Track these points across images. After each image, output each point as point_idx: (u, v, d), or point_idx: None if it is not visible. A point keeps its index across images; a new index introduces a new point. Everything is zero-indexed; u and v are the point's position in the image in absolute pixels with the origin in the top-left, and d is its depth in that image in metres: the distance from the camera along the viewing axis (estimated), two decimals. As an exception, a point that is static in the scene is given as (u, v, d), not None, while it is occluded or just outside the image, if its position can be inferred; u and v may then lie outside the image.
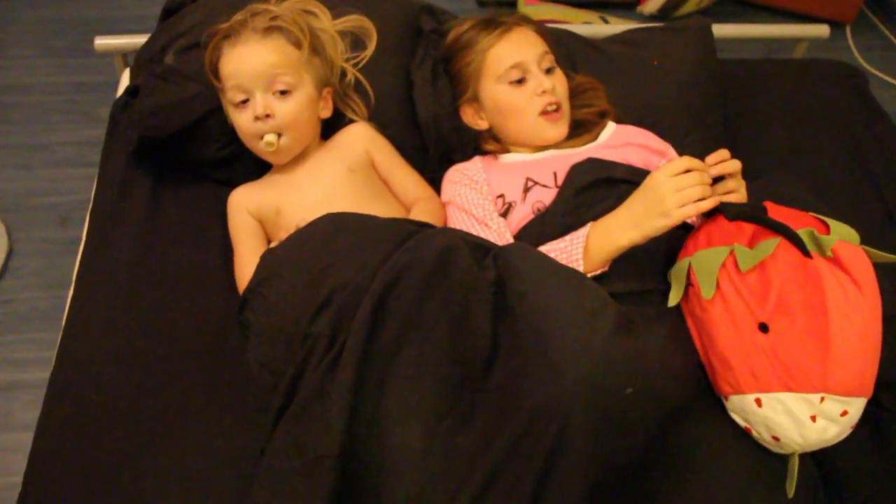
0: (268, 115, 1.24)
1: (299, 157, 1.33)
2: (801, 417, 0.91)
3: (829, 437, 0.92)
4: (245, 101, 1.25)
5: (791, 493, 0.93)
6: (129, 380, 1.15)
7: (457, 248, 0.98)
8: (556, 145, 1.33)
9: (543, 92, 1.28)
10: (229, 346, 1.19)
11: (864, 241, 1.09)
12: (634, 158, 1.29)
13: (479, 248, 1.03)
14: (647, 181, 1.09)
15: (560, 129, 1.31)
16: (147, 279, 1.28)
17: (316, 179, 1.31)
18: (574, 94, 1.37)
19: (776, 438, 0.93)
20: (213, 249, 1.33)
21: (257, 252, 1.23)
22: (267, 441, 0.94)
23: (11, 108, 2.11)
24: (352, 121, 1.38)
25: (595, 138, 1.35)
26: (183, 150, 1.37)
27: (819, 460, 1.05)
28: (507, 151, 1.36)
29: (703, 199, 1.04)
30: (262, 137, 1.26)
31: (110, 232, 1.34)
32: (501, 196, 1.29)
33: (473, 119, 1.37)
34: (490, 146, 1.37)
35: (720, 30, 1.73)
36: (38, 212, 1.87)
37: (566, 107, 1.33)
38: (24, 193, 1.91)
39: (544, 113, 1.29)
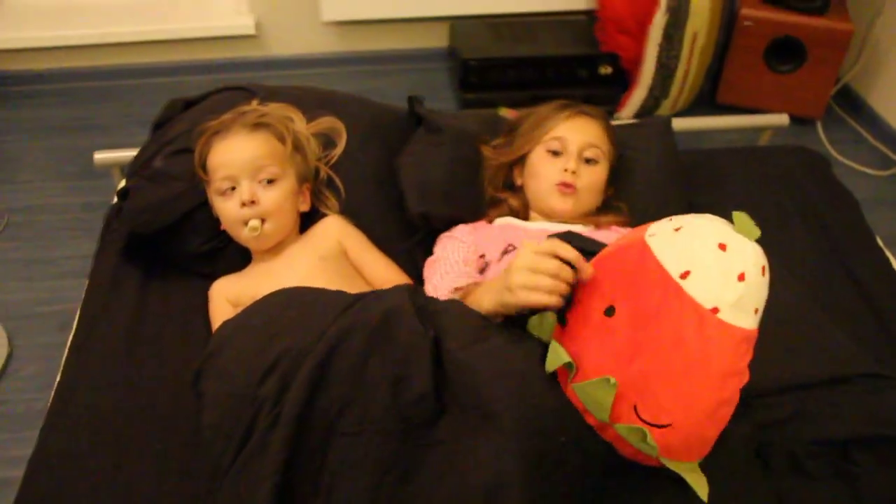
0: (253, 202, 1.33)
1: (277, 249, 1.41)
2: None
3: None
4: (231, 190, 1.35)
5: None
6: (108, 470, 1.17)
7: (402, 309, 1.02)
8: (560, 221, 1.45)
9: (565, 170, 1.43)
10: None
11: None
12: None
13: (425, 308, 1.07)
14: (517, 253, 1.05)
15: (565, 204, 1.44)
16: (132, 371, 1.31)
17: (290, 268, 1.38)
18: (604, 203, 1.53)
19: None
20: (197, 340, 1.37)
21: None
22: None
23: (21, 226, 2.23)
24: (325, 215, 1.47)
25: (598, 226, 1.47)
26: (170, 245, 1.44)
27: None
28: (524, 217, 1.49)
29: (550, 293, 0.97)
30: (246, 223, 1.34)
31: (98, 326, 1.38)
32: (483, 256, 1.39)
33: (517, 177, 1.53)
34: (499, 210, 1.51)
35: (684, 123, 1.84)
36: (39, 319, 1.94)
37: (586, 196, 1.46)
38: (26, 303, 1.99)
39: (559, 185, 1.43)
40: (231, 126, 1.39)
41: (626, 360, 0.95)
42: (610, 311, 0.95)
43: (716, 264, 0.90)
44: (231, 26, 2.59)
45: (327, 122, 1.51)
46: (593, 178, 1.47)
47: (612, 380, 0.93)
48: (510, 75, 2.48)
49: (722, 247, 0.91)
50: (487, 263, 1.38)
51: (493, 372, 0.97)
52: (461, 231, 1.47)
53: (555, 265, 0.96)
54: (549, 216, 1.48)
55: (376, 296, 1.07)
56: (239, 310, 1.34)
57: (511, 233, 1.43)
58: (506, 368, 0.97)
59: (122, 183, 1.70)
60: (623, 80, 2.55)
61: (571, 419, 0.93)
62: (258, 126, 1.39)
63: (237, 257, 1.46)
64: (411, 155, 1.51)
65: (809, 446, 1.12)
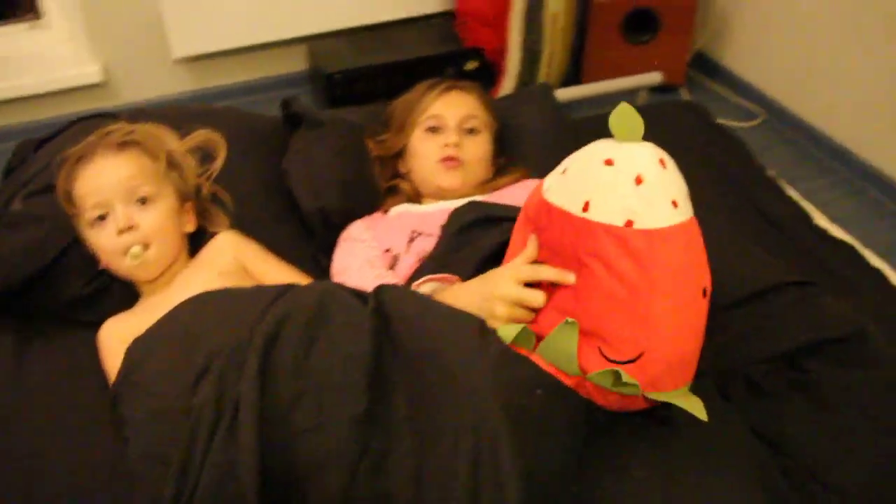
0: (131, 227, 1.20)
1: (167, 277, 1.28)
2: None
3: None
4: (103, 217, 1.21)
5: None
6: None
7: (336, 291, 0.94)
8: (454, 198, 1.37)
9: (446, 145, 1.37)
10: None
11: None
12: (521, 199, 1.30)
13: (358, 293, 0.99)
14: (495, 275, 1.00)
15: (454, 179, 1.38)
16: (19, 439, 1.14)
17: (187, 292, 1.23)
18: (497, 172, 1.48)
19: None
20: (89, 396, 1.21)
21: None
22: None
23: None
24: (213, 235, 1.35)
25: (496, 189, 1.41)
26: (45, 295, 1.29)
27: (765, 436, 1.03)
28: (418, 202, 1.41)
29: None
30: (127, 251, 1.20)
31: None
32: (388, 250, 1.31)
33: (403, 166, 1.46)
34: (394, 200, 1.43)
35: (563, 94, 1.84)
36: None
37: (473, 167, 1.40)
38: None
39: (443, 160, 1.37)
40: (95, 149, 1.26)
41: (572, 309, 0.91)
42: None
43: (609, 181, 0.87)
44: (75, 76, 2.40)
45: (202, 135, 1.39)
46: (478, 149, 1.43)
47: (570, 319, 0.88)
48: (378, 84, 2.42)
49: (609, 162, 0.88)
50: (396, 257, 1.30)
51: (450, 329, 0.88)
52: (357, 229, 1.38)
53: (540, 298, 0.93)
54: (441, 196, 1.41)
55: (305, 285, 0.97)
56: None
57: (410, 220, 1.36)
58: (463, 325, 0.89)
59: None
60: (490, 73, 2.55)
61: (544, 373, 0.86)
62: (125, 145, 1.27)
63: (123, 296, 1.31)
64: (296, 153, 1.42)
65: (760, 365, 1.10)
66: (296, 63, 2.68)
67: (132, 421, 0.88)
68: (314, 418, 0.84)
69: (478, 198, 1.35)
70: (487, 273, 1.02)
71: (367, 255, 1.29)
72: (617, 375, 0.85)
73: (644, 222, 0.85)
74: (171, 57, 2.46)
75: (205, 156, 1.39)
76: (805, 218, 1.60)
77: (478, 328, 0.90)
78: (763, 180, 1.70)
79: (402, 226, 1.34)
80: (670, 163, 0.91)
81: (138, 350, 0.93)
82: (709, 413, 0.97)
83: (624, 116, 0.89)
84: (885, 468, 1.00)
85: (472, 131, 1.43)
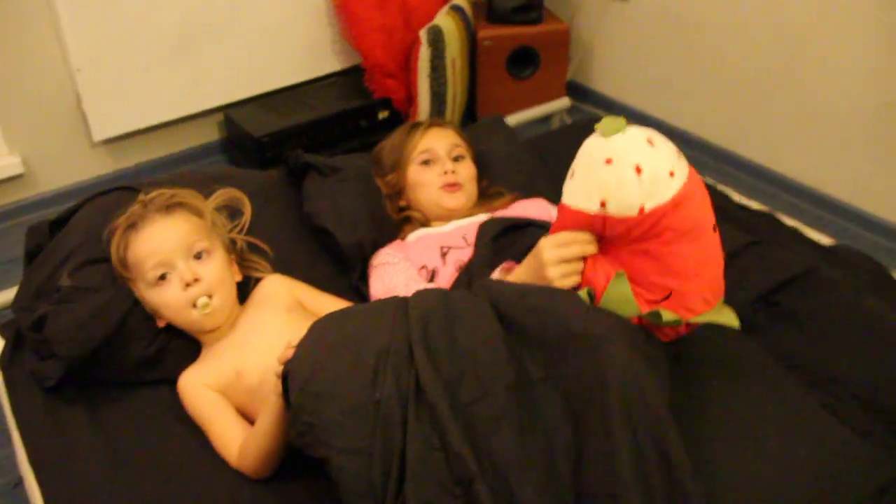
0: (196, 279, 1.29)
1: (229, 323, 1.37)
2: None
3: None
4: (164, 277, 1.30)
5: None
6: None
7: (447, 292, 1.12)
8: (460, 218, 1.55)
9: (445, 172, 1.56)
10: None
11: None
12: (533, 214, 1.51)
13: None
14: (535, 249, 1.16)
15: (459, 200, 1.56)
16: (141, 491, 1.19)
17: (259, 331, 1.34)
18: (482, 193, 1.66)
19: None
20: (181, 445, 1.27)
21: (233, 420, 1.26)
22: None
23: None
24: (258, 281, 1.45)
25: (494, 210, 1.59)
26: (111, 360, 1.34)
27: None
28: (429, 226, 1.56)
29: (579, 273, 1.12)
30: (194, 304, 1.29)
31: (66, 472, 1.24)
32: (424, 266, 1.46)
33: (403, 200, 1.61)
34: (406, 229, 1.56)
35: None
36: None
37: (469, 187, 1.60)
38: None
39: (444, 186, 1.55)
40: (144, 215, 1.34)
41: (608, 270, 1.11)
42: None
43: (615, 180, 1.03)
44: (-7, 170, 2.36)
45: (226, 193, 1.49)
46: (468, 171, 1.64)
47: (620, 271, 1.08)
48: (302, 141, 2.56)
49: (608, 161, 1.04)
50: (433, 271, 1.46)
51: (551, 299, 1.07)
52: (387, 255, 1.53)
53: (578, 249, 1.11)
54: (448, 217, 1.59)
55: (418, 292, 1.12)
56: (225, 393, 1.29)
57: (433, 239, 1.53)
58: (558, 292, 1.09)
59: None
60: (399, 120, 2.76)
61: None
62: (171, 207, 1.36)
63: (183, 352, 1.38)
64: (321, 197, 1.55)
65: (747, 307, 1.36)
66: (209, 133, 2.76)
67: (323, 425, 0.98)
68: (478, 391, 0.99)
69: (482, 217, 1.54)
70: (528, 255, 1.19)
71: (407, 273, 1.45)
72: (658, 314, 1.05)
73: (655, 201, 1.03)
74: (92, 140, 2.48)
75: (231, 212, 1.49)
76: (725, 196, 1.92)
77: (570, 292, 1.10)
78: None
79: (427, 245, 1.50)
80: (657, 137, 1.07)
81: (304, 367, 1.02)
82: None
83: (608, 123, 1.06)
84: (871, 359, 1.28)
85: (458, 158, 1.63)
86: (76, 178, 2.53)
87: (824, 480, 1.03)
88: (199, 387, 1.30)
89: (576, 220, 1.11)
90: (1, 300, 1.66)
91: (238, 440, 1.23)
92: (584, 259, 1.12)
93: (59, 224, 1.50)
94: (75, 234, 1.44)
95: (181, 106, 2.59)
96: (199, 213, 1.38)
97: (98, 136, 2.47)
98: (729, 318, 1.10)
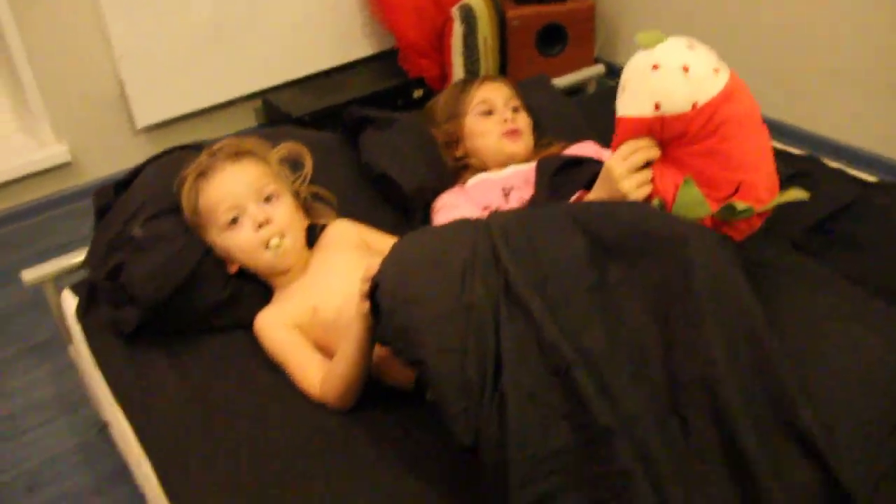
0: (268, 220, 1.33)
1: (300, 265, 1.40)
2: None
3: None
4: (236, 220, 1.33)
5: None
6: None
7: (524, 210, 1.17)
8: (518, 162, 1.58)
9: (505, 120, 1.60)
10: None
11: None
12: (588, 154, 1.54)
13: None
14: (603, 171, 1.21)
15: (520, 146, 1.60)
16: (235, 432, 1.21)
17: (332, 270, 1.37)
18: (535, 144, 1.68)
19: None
20: (262, 385, 1.29)
21: (312, 355, 1.29)
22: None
23: None
24: (324, 227, 1.48)
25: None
26: (187, 305, 1.37)
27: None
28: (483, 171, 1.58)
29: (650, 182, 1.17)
30: (267, 245, 1.33)
31: (155, 412, 1.27)
32: (486, 207, 1.50)
33: (460, 150, 1.63)
34: (464, 175, 1.58)
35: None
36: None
37: (527, 135, 1.63)
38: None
39: (505, 133, 1.58)
40: (214, 164, 1.37)
41: (676, 176, 1.16)
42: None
43: (664, 81, 1.11)
44: (43, 159, 2.42)
45: (287, 146, 1.53)
46: (525, 120, 1.67)
47: (688, 176, 1.12)
48: (339, 123, 2.60)
49: (655, 67, 1.12)
50: (497, 209, 1.49)
51: (633, 210, 1.11)
52: (450, 198, 1.57)
53: (644, 155, 1.16)
54: (507, 164, 1.62)
55: (493, 213, 1.16)
56: (302, 330, 1.32)
57: (494, 183, 1.56)
58: (636, 204, 1.14)
59: (65, 295, 1.56)
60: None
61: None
62: (239, 155, 1.39)
63: (256, 298, 1.41)
64: (381, 146, 1.58)
65: (801, 233, 1.40)
66: (247, 119, 2.82)
67: (416, 328, 1.00)
68: (561, 294, 1.01)
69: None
70: (598, 179, 1.24)
71: (472, 213, 1.48)
72: (732, 207, 1.10)
73: (704, 95, 1.10)
74: (135, 127, 2.53)
75: (293, 165, 1.53)
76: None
77: (644, 203, 1.14)
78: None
79: (489, 188, 1.54)
80: (695, 42, 1.15)
81: (393, 277, 1.05)
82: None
83: (647, 36, 1.15)
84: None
85: (515, 109, 1.66)
86: (121, 165, 2.56)
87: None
88: (276, 325, 1.32)
89: (635, 128, 1.16)
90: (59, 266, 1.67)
91: (319, 373, 1.25)
92: (652, 168, 1.16)
93: (123, 185, 1.54)
94: (142, 190, 1.48)
95: (220, 91, 2.64)
96: (264, 160, 1.41)
97: (141, 122, 2.53)
98: (796, 194, 1.15)
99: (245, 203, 1.34)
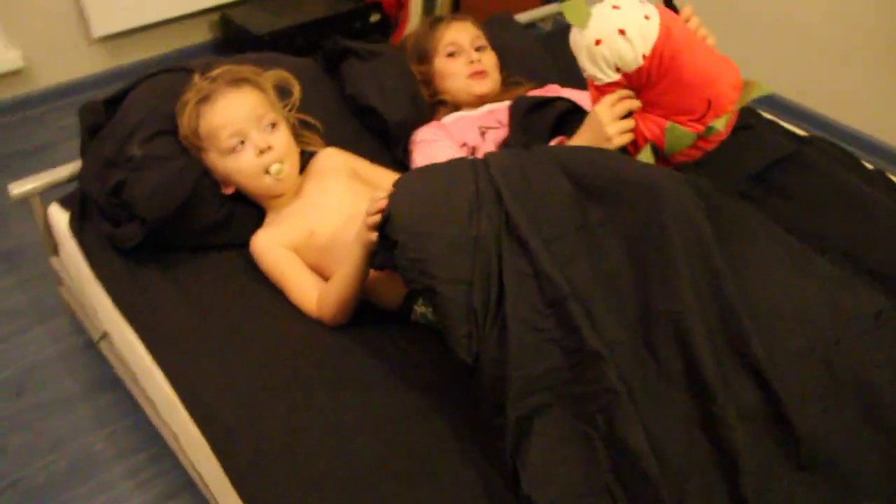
0: (269, 147, 1.40)
1: (294, 189, 1.48)
2: None
3: None
4: (240, 145, 1.40)
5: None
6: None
7: (517, 151, 1.29)
8: (489, 103, 1.68)
9: (471, 62, 1.66)
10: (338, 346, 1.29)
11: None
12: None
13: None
14: (592, 114, 1.33)
15: (486, 86, 1.68)
16: (228, 343, 1.31)
17: (327, 194, 1.46)
18: (503, 82, 1.76)
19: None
20: (261, 301, 1.38)
21: (308, 274, 1.39)
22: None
23: None
24: (313, 154, 1.56)
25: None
26: (185, 224, 1.44)
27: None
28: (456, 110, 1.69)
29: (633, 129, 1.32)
30: (267, 171, 1.41)
31: (158, 323, 1.36)
32: (464, 144, 1.59)
33: (432, 88, 1.71)
34: (441, 111, 1.68)
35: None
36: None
37: (494, 74, 1.71)
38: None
39: (472, 75, 1.66)
40: (215, 89, 1.42)
41: (656, 116, 1.33)
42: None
43: (611, 50, 1.27)
44: (-7, 64, 2.37)
45: (276, 74, 1.57)
46: (491, 60, 1.75)
47: (670, 124, 1.30)
48: (298, 42, 2.63)
49: (598, 42, 1.27)
50: (474, 148, 1.59)
51: (617, 158, 1.24)
52: (429, 132, 1.65)
53: (628, 104, 1.31)
54: (478, 103, 1.71)
55: (489, 154, 1.26)
56: (297, 251, 1.41)
57: (469, 121, 1.65)
58: (617, 154, 1.28)
59: (53, 210, 1.60)
60: (389, 25, 2.85)
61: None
62: (239, 82, 1.45)
63: (249, 218, 1.50)
64: (365, 79, 1.66)
65: (744, 182, 1.57)
66: (199, 36, 2.79)
67: (428, 260, 1.11)
68: (554, 231, 1.14)
69: (507, 102, 1.67)
70: (584, 120, 1.37)
71: (451, 149, 1.58)
72: (712, 128, 1.28)
73: (648, 45, 1.25)
74: (91, 37, 2.49)
75: (281, 92, 1.59)
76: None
77: (622, 154, 1.28)
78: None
79: (465, 126, 1.63)
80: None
81: (405, 211, 1.15)
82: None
83: (572, 13, 1.28)
84: (853, 220, 1.49)
85: (481, 48, 1.74)
86: (74, 74, 2.54)
87: (832, 309, 1.23)
88: (274, 246, 1.42)
89: (609, 91, 1.32)
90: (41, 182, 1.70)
91: (315, 292, 1.35)
92: (634, 117, 1.31)
93: (111, 102, 1.57)
94: (137, 109, 1.51)
95: (178, 4, 2.61)
96: (262, 89, 1.48)
97: (97, 32, 2.49)
98: (760, 89, 1.31)
99: (247, 129, 1.40)
